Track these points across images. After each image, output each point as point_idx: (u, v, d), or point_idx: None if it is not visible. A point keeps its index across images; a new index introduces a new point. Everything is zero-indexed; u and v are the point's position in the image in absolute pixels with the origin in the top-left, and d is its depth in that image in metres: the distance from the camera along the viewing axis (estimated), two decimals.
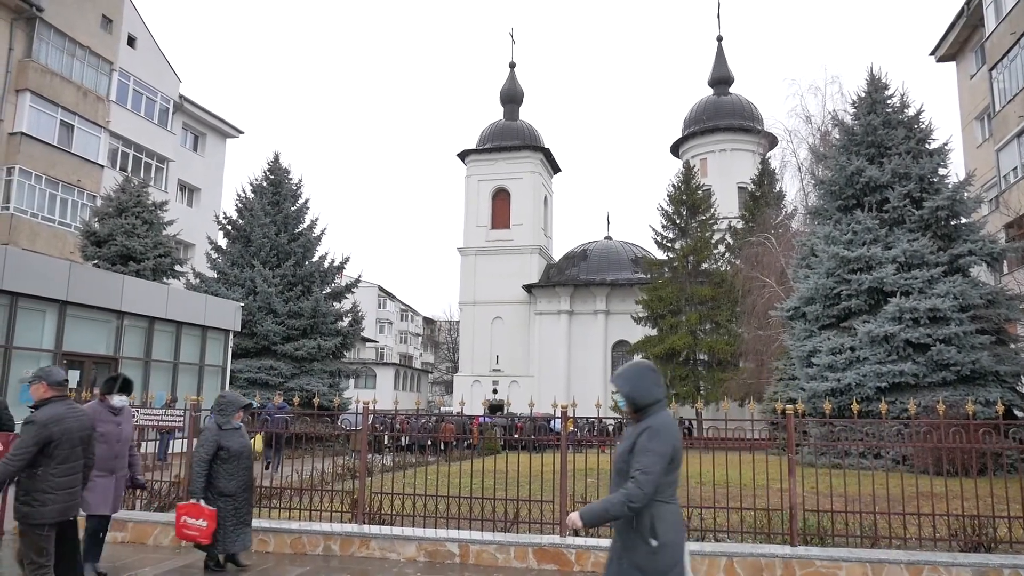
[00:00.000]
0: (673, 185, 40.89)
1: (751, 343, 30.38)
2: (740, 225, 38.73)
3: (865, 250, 18.50)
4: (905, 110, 20.14)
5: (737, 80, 57.56)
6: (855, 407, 8.04)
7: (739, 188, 47.60)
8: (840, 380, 17.97)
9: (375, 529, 8.17)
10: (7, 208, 25.02)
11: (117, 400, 6.57)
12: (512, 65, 57.78)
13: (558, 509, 7.98)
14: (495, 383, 50.28)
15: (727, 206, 44.54)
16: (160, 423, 9.32)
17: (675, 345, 37.40)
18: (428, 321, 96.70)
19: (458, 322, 62.89)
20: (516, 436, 18.13)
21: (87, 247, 22.77)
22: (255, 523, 8.39)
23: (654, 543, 3.55)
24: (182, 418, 8.95)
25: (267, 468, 13.63)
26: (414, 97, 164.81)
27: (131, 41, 30.87)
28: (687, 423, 31.95)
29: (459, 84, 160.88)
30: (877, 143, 19.74)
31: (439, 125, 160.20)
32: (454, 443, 15.23)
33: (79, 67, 28.16)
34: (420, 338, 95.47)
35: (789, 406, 7.78)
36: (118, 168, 29.51)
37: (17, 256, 15.67)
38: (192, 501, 6.78)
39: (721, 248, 39.52)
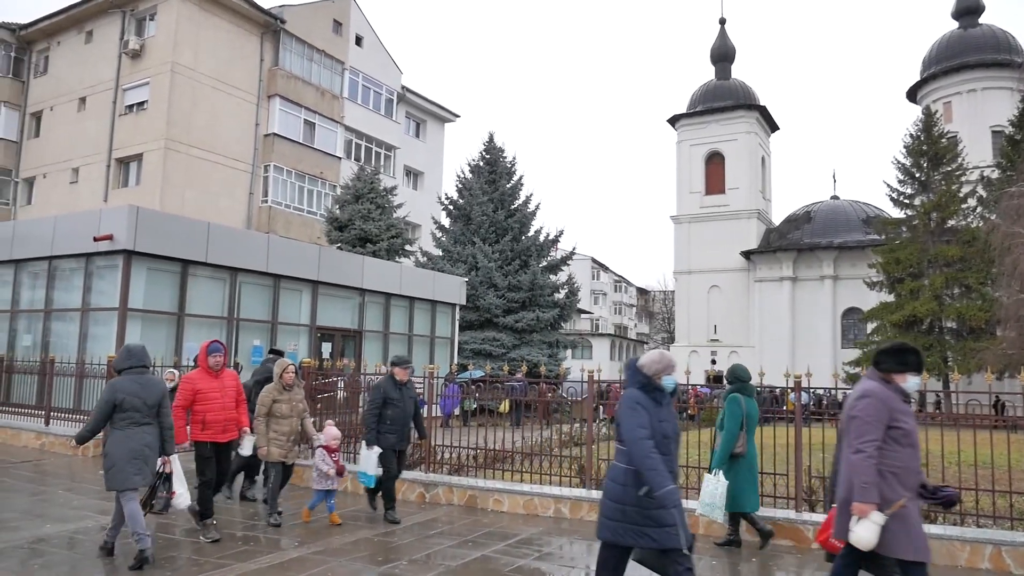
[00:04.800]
0: (911, 134, 36.85)
1: (1011, 308, 26.75)
2: (996, 175, 34.10)
3: None
4: None
5: (988, 8, 50.36)
6: None
7: (993, 132, 41.90)
8: None
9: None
10: (266, 201, 28.44)
11: (912, 383, 4.41)
12: (722, 21, 55.18)
13: (792, 483, 7.65)
14: (713, 353, 48.92)
15: (978, 154, 39.41)
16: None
17: (916, 312, 33.94)
18: (642, 292, 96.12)
19: (673, 292, 61.83)
20: None
21: (331, 232, 25.24)
22: (492, 484, 8.93)
23: (105, 457, 6.04)
24: (421, 386, 9.70)
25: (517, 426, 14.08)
26: (621, 65, 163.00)
27: (358, 40, 33.52)
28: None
29: (667, 47, 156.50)
30: None
31: (648, 92, 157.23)
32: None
33: (316, 70, 31.14)
34: (634, 309, 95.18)
35: None
36: (352, 158, 32.33)
37: (278, 243, 17.78)
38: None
39: (971, 202, 35.03)
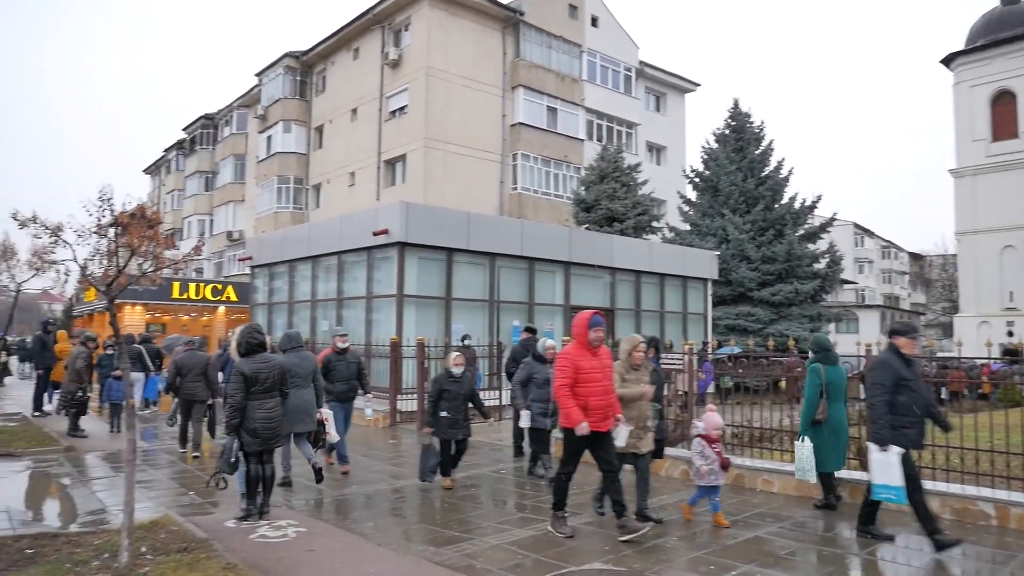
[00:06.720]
0: None
1: None
2: None
3: None
4: None
5: None
6: None
7: None
8: None
9: None
10: (515, 188, 29.77)
11: None
12: None
13: None
14: (1010, 324, 42.63)
15: None
16: (662, 366, 10.11)
17: None
18: (915, 257, 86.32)
19: (954, 255, 54.83)
20: None
21: (578, 213, 25.76)
22: (761, 463, 8.60)
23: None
24: (682, 361, 9.60)
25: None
26: (877, 7, 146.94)
27: (594, 21, 33.69)
28: None
29: None
30: None
31: (912, 33, 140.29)
32: (964, 393, 13.43)
33: (555, 56, 31.85)
34: (907, 276, 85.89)
35: None
36: (594, 139, 32.69)
37: (530, 227, 18.55)
38: None
39: None
